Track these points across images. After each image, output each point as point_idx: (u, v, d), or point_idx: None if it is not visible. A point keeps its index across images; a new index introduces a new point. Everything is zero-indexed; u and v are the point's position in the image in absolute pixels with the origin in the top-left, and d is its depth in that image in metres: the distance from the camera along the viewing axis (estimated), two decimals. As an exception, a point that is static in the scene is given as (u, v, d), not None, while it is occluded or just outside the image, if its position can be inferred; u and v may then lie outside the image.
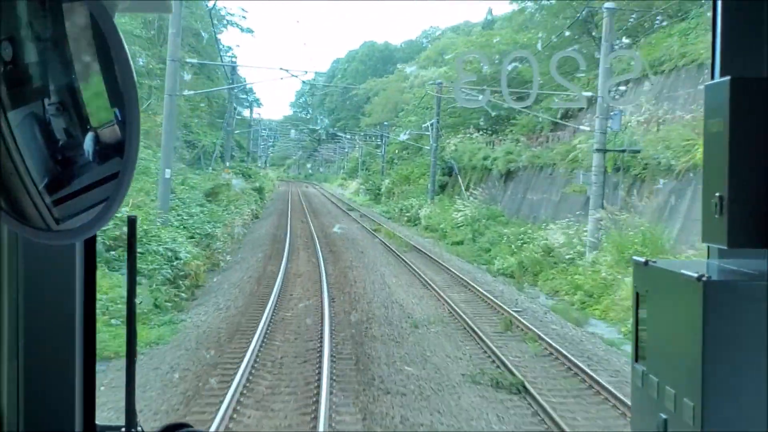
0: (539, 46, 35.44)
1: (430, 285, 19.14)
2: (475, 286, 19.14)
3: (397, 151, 65.51)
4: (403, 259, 24.03)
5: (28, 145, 1.29)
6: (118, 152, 1.27)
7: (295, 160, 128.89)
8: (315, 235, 29.99)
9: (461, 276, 20.73)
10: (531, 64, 31.36)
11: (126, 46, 1.20)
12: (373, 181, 63.20)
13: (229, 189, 33.32)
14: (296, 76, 61.01)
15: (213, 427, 8.70)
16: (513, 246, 25.72)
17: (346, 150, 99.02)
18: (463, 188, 41.92)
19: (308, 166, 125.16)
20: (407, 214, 44.28)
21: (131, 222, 1.64)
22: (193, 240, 19.99)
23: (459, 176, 43.57)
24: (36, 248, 1.65)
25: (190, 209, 24.32)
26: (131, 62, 1.21)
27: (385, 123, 70.57)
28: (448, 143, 46.34)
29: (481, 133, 46.45)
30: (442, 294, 17.84)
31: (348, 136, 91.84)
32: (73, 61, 1.28)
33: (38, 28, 1.28)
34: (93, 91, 1.30)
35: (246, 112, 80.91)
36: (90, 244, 1.75)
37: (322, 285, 18.35)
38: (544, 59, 31.55)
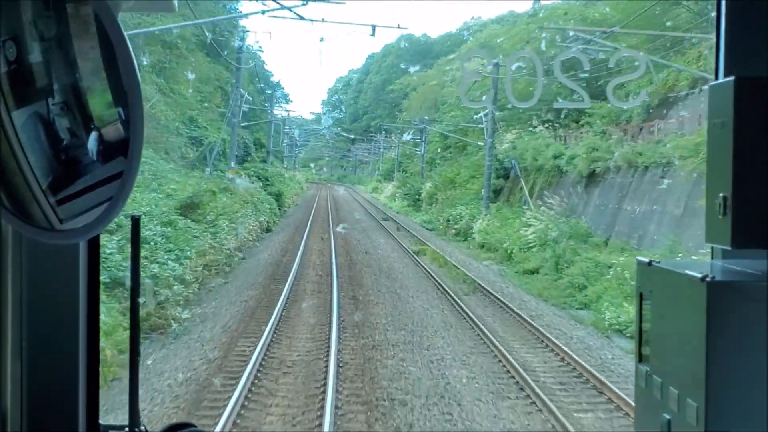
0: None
1: (529, 386, 11.20)
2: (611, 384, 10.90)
3: (439, 150, 58.67)
4: (466, 313, 16.26)
5: (32, 145, 1.28)
6: (121, 152, 1.26)
7: (327, 161, 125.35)
8: (335, 263, 22.81)
9: (575, 355, 12.96)
10: (535, 64, 29.91)
11: (130, 46, 1.18)
12: (412, 184, 56.42)
13: (216, 198, 26.91)
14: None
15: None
16: (626, 285, 17.68)
17: (382, 150, 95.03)
18: (527, 194, 34.29)
19: (341, 167, 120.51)
20: (455, 227, 36.76)
21: (135, 221, 1.63)
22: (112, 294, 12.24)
23: (521, 179, 35.58)
24: (40, 248, 1.62)
25: (144, 232, 13.74)
26: (135, 61, 1.20)
27: (425, 118, 65.17)
28: (503, 139, 40.53)
29: (546, 126, 38.37)
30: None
31: (384, 131, 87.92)
32: (77, 60, 1.27)
33: (42, 28, 1.27)
34: (97, 90, 1.30)
35: (275, 110, 74.41)
36: (94, 244, 1.71)
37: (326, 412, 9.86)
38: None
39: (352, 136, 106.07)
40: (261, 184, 40.01)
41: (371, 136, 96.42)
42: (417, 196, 50.93)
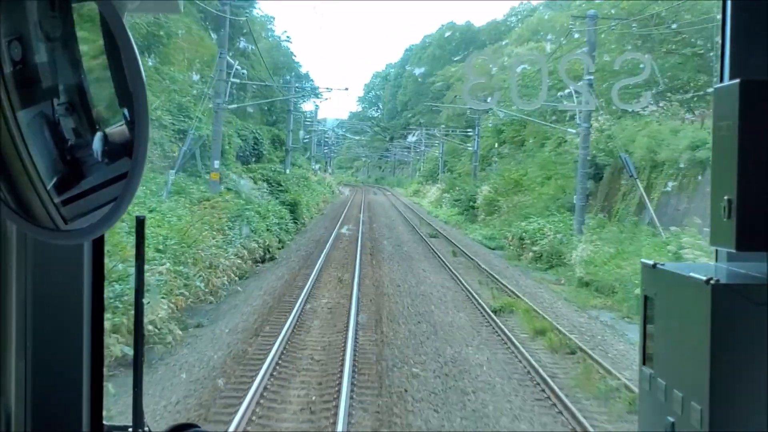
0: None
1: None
2: None
3: (496, 145, 49.72)
4: None
5: (37, 145, 1.29)
6: (126, 152, 1.25)
7: (363, 162, 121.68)
8: (351, 353, 12.07)
9: None
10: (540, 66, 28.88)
11: (135, 47, 1.19)
12: (463, 187, 47.35)
13: (162, 221, 17.44)
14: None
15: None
16: None
17: (423, 148, 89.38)
18: (649, 205, 23.38)
19: (379, 168, 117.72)
20: (534, 248, 26.80)
21: (139, 222, 1.64)
22: None
23: (637, 180, 24.51)
24: (44, 248, 1.64)
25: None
26: (140, 63, 1.20)
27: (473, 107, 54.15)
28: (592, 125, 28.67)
29: (662, 105, 28.35)
30: None
31: (422, 127, 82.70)
32: (83, 61, 1.29)
33: (48, 28, 1.28)
34: (102, 91, 1.31)
35: (305, 106, 71.61)
36: (98, 244, 1.72)
37: None
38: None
39: (388, 137, 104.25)
40: (267, 189, 33.54)
41: (411, 132, 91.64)
42: (471, 203, 42.45)
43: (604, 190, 28.73)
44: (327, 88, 46.36)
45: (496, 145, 47.37)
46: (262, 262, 21.56)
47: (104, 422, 1.77)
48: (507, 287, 17.62)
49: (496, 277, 19.37)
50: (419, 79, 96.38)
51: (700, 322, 1.74)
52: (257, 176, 33.79)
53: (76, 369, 1.72)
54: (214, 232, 17.81)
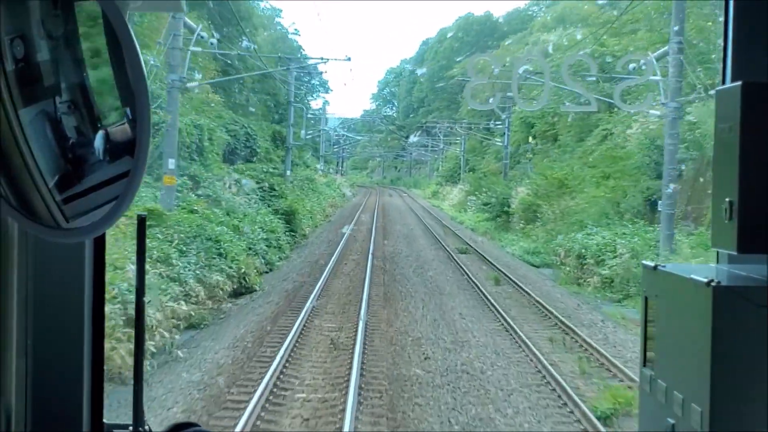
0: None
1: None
2: None
3: (531, 140, 43.09)
4: None
5: (39, 143, 1.31)
6: (128, 151, 1.27)
7: (378, 162, 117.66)
8: None
9: None
10: (542, 67, 28.96)
11: (137, 46, 1.20)
12: (494, 188, 40.81)
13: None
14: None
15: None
16: None
17: (442, 146, 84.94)
18: None
19: (395, 168, 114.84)
20: (601, 271, 20.12)
21: (141, 221, 1.64)
22: None
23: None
24: (45, 246, 1.65)
25: None
26: (142, 61, 1.22)
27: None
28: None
29: None
30: None
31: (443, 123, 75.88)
32: (85, 59, 1.30)
33: (50, 27, 1.30)
34: (104, 89, 1.33)
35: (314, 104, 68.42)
36: (100, 243, 1.73)
37: None
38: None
39: (405, 135, 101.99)
40: (258, 195, 28.44)
41: (430, 133, 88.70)
42: (503, 208, 36.62)
43: (686, 192, 23.30)
44: (322, 59, 39.94)
45: (531, 139, 42.27)
46: (236, 296, 16.78)
47: (105, 421, 1.75)
48: (597, 349, 12.40)
49: (565, 321, 14.44)
50: (435, 74, 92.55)
51: (701, 323, 1.74)
52: (244, 177, 29.07)
53: (76, 367, 1.72)
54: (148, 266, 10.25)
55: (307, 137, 63.25)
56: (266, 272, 19.42)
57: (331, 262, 20.68)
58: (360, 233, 31.43)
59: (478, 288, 17.35)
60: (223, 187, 25.05)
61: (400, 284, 18.09)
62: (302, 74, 75.96)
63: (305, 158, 62.71)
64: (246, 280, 16.80)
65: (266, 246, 20.95)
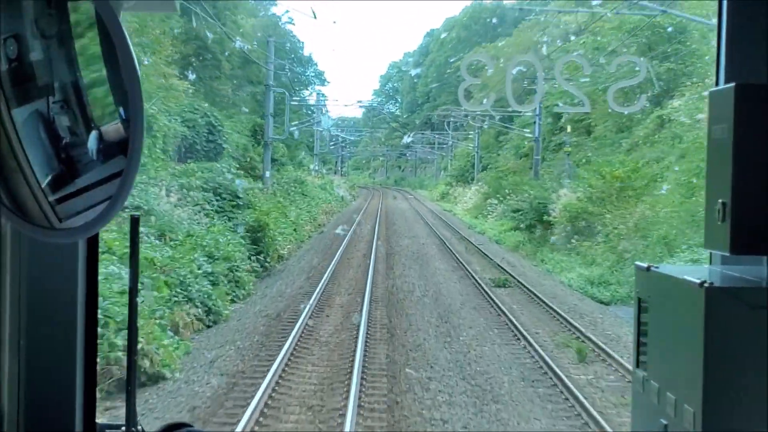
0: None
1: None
2: None
3: (568, 129, 35.34)
4: None
5: (32, 143, 1.33)
6: (121, 151, 1.29)
7: (381, 162, 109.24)
8: None
9: None
10: (536, 67, 27.81)
11: (131, 45, 1.23)
12: (522, 191, 33.28)
13: None
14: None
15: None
16: None
17: (451, 143, 76.56)
18: None
19: (399, 167, 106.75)
20: None
21: (134, 221, 1.64)
22: None
23: None
24: (39, 246, 1.68)
25: None
26: (136, 61, 1.24)
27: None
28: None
29: None
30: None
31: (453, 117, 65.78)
32: (78, 59, 1.33)
33: (43, 26, 1.32)
34: (97, 89, 1.34)
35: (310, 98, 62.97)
36: (93, 243, 1.76)
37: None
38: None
39: (408, 138, 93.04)
40: (216, 206, 21.67)
41: (435, 129, 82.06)
42: (540, 216, 28.83)
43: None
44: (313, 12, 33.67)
45: (568, 128, 35.30)
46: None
47: (97, 421, 1.78)
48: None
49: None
50: (441, 66, 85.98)
51: (694, 324, 1.75)
52: (193, 183, 22.09)
53: (69, 368, 1.72)
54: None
55: (295, 131, 56.21)
56: (209, 325, 14.53)
57: (304, 313, 15.01)
58: (357, 252, 26.27)
59: (558, 378, 11.30)
60: (159, 194, 19.81)
61: (421, 370, 11.88)
62: (294, 64, 69.46)
63: (300, 157, 56.50)
64: (152, 362, 10.99)
65: (212, 285, 15.61)
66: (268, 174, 31.07)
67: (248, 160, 35.36)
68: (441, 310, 15.98)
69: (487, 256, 25.27)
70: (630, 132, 31.32)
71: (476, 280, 19.80)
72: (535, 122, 35.81)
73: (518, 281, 19.67)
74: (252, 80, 45.96)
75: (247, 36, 38.92)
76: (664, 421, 1.92)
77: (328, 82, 75.90)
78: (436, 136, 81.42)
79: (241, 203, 21.93)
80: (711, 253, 2.18)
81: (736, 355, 1.72)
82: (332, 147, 75.32)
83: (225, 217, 21.23)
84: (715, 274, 2.00)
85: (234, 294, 17.06)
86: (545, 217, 28.12)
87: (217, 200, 21.23)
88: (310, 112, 59.94)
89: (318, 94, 61.84)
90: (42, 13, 1.31)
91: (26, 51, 1.29)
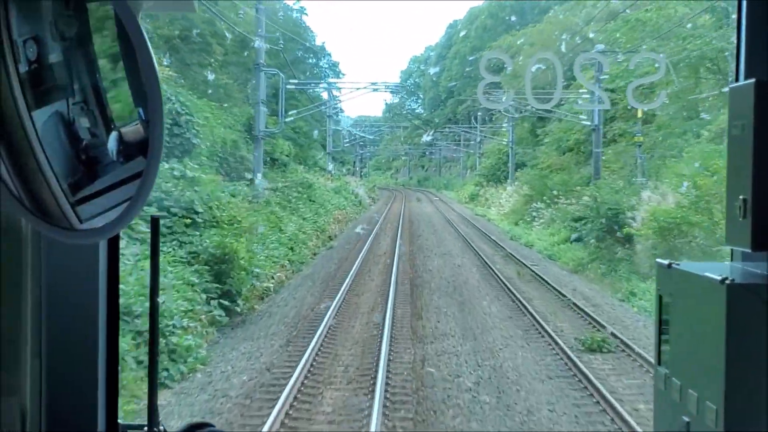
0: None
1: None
2: None
3: (641, 113, 29.24)
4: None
5: (52, 144, 1.36)
6: (141, 151, 1.32)
7: (404, 161, 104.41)
8: None
9: None
10: (554, 65, 27.66)
11: (150, 46, 1.27)
12: (581, 193, 28.43)
13: None
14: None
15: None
16: None
17: (479, 139, 69.40)
18: None
19: (422, 167, 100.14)
20: None
21: (154, 221, 1.70)
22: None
23: None
24: (59, 247, 1.71)
25: None
26: (155, 62, 1.27)
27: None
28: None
29: None
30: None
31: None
32: (97, 60, 1.37)
33: (63, 28, 1.35)
34: (117, 90, 1.38)
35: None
36: (113, 244, 1.79)
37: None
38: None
39: (428, 136, 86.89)
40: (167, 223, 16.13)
41: (464, 119, 76.39)
42: (609, 227, 22.64)
43: None
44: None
45: (639, 113, 28.29)
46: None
47: (119, 421, 1.79)
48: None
49: None
50: (466, 57, 78.94)
51: (716, 322, 1.75)
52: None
53: (91, 368, 1.73)
54: None
55: (315, 131, 50.23)
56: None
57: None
58: (371, 280, 19.68)
59: None
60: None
61: None
62: (306, 55, 62.85)
63: (316, 158, 51.01)
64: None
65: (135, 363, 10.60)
66: (259, 177, 24.68)
67: (238, 159, 28.41)
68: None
69: (548, 283, 19.68)
70: (700, 118, 27.35)
71: (551, 337, 12.62)
72: (594, 112, 29.06)
73: (619, 338, 12.31)
74: (250, 67, 39.16)
75: (250, 26, 32.45)
76: (687, 419, 1.90)
77: (344, 74, 69.88)
78: (463, 132, 78.89)
79: (200, 220, 14.83)
80: (732, 250, 2.17)
81: (758, 351, 1.71)
82: (347, 145, 68.37)
83: (175, 242, 14.13)
84: (736, 271, 2.00)
85: (166, 375, 10.18)
86: (625, 229, 20.72)
87: (161, 218, 14.03)
88: (322, 108, 53.58)
89: (329, 84, 55.29)
90: (61, 15, 1.34)
91: (46, 53, 1.33)
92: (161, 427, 1.66)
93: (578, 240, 26.03)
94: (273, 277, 19.61)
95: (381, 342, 13.28)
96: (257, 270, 17.85)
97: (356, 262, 22.50)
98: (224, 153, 29.06)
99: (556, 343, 13.41)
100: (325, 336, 13.79)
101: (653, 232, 20.22)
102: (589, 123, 32.72)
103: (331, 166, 50.76)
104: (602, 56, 26.46)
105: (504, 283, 19.74)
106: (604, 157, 36.15)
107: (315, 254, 25.66)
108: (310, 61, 63.22)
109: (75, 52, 1.33)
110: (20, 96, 1.31)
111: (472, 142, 77.75)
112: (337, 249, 27.69)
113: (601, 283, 20.68)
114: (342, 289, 18.02)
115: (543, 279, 20.32)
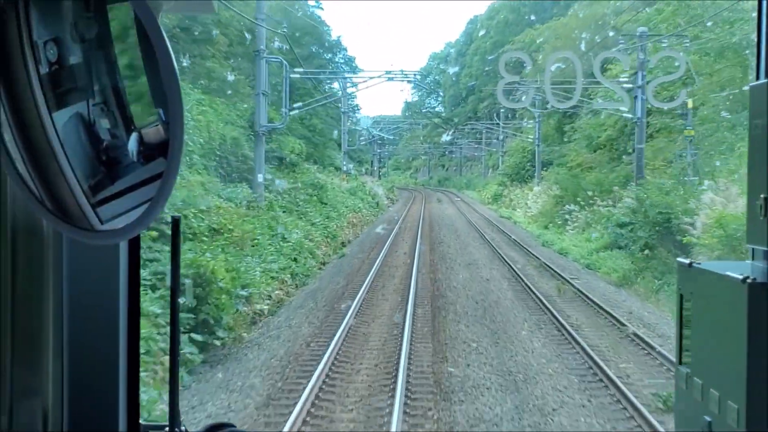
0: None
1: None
2: None
3: (690, 104, 25.71)
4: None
5: (73, 146, 1.38)
6: (161, 153, 1.33)
7: (423, 161, 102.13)
8: None
9: None
10: (574, 64, 27.06)
11: (170, 47, 1.27)
12: (655, 198, 22.55)
13: None
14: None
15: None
16: None
17: (501, 137, 66.47)
18: None
19: (442, 166, 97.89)
20: None
21: (175, 222, 1.68)
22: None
23: None
24: (80, 248, 1.72)
25: None
26: (175, 63, 1.28)
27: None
28: None
29: None
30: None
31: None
32: (118, 62, 1.40)
33: (83, 29, 1.37)
34: (137, 91, 1.40)
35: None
36: (134, 244, 1.80)
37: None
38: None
39: (448, 136, 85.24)
40: None
41: (485, 117, 74.24)
42: (658, 233, 20.39)
43: None
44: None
45: (690, 103, 24.82)
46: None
47: (141, 421, 1.78)
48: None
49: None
50: (488, 53, 76.49)
51: (737, 320, 1.72)
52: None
53: (112, 368, 1.72)
54: None
55: (334, 131, 47.30)
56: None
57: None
58: (385, 298, 16.52)
59: None
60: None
61: None
62: (321, 50, 60.21)
63: (333, 158, 48.00)
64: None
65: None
66: (260, 178, 22.01)
67: (240, 158, 25.56)
68: None
69: (595, 304, 16.85)
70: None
71: (619, 390, 9.71)
72: (636, 97, 25.09)
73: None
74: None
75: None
76: (708, 419, 1.86)
77: (361, 69, 67.36)
78: (486, 129, 76.50)
79: (170, 232, 11.78)
80: (753, 249, 2.08)
81: None
82: (363, 143, 65.52)
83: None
84: (758, 270, 1.93)
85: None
86: (685, 237, 17.52)
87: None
88: (332, 101, 51.07)
89: (339, 74, 52.32)
90: (81, 17, 1.36)
91: (66, 54, 1.35)
92: (182, 428, 1.65)
93: (620, 247, 23.10)
94: (270, 296, 16.67)
95: (393, 405, 9.80)
96: (247, 291, 14.99)
97: (369, 276, 19.67)
98: (223, 151, 26.42)
99: (628, 400, 10.14)
100: (319, 391, 10.54)
101: (719, 242, 17.13)
102: (630, 115, 29.62)
103: (346, 166, 48.48)
104: (624, 55, 26.43)
105: (543, 303, 16.72)
106: (628, 157, 33.07)
107: (324, 264, 22.95)
108: (326, 56, 61.23)
109: (95, 54, 1.34)
110: (41, 98, 1.32)
111: (494, 140, 76.94)
112: (349, 258, 25.07)
113: (656, 302, 17.69)
114: (348, 314, 14.94)
115: (588, 297, 17.39)
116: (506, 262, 23.37)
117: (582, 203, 31.24)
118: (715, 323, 1.82)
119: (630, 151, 35.23)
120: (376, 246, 27.57)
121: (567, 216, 32.42)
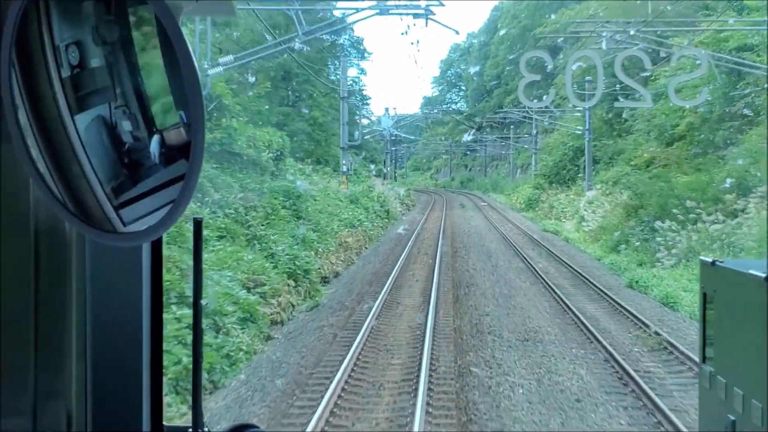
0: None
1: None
2: None
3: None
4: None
5: (95, 148, 1.41)
6: (183, 154, 1.36)
7: (444, 161, 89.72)
8: None
9: None
10: (595, 63, 26.70)
11: (191, 49, 1.30)
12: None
13: None
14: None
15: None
16: None
17: (535, 132, 55.81)
18: None
19: (465, 166, 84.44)
20: None
21: (197, 224, 1.71)
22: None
23: None
24: (103, 250, 1.77)
25: None
26: (196, 64, 1.30)
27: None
28: None
29: None
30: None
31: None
32: (139, 64, 1.44)
33: (104, 32, 1.41)
34: (158, 93, 1.44)
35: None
36: (156, 246, 1.84)
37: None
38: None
39: (469, 135, 75.96)
40: None
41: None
42: None
43: None
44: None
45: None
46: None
47: (164, 423, 1.81)
48: None
49: None
50: (514, 41, 67.90)
51: (760, 318, 1.58)
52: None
53: (135, 369, 1.75)
54: None
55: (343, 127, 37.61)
56: None
57: None
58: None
59: None
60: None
61: None
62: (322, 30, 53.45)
63: (338, 156, 39.57)
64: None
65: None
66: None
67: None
68: None
69: None
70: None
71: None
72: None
73: None
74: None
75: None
76: (732, 417, 1.86)
77: (370, 53, 59.05)
78: (513, 125, 65.19)
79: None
80: None
81: None
82: (370, 138, 55.71)
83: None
84: None
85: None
86: None
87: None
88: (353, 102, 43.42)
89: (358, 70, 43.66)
90: (102, 20, 1.39)
91: (88, 57, 1.38)
92: (206, 429, 1.66)
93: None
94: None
95: None
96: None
97: (340, 371, 10.14)
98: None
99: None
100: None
101: None
102: (695, 106, 24.83)
103: (346, 166, 36.19)
104: (644, 53, 24.90)
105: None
106: (734, 150, 23.22)
107: (268, 339, 12.53)
108: (327, 37, 50.98)
109: (116, 56, 1.37)
110: (63, 100, 1.34)
111: (525, 136, 68.35)
112: (323, 314, 14.92)
113: None
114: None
115: None
116: (585, 325, 13.05)
117: (681, 218, 21.75)
118: (738, 321, 1.91)
119: (720, 144, 25.90)
120: (372, 285, 18.28)
121: (657, 236, 22.63)
